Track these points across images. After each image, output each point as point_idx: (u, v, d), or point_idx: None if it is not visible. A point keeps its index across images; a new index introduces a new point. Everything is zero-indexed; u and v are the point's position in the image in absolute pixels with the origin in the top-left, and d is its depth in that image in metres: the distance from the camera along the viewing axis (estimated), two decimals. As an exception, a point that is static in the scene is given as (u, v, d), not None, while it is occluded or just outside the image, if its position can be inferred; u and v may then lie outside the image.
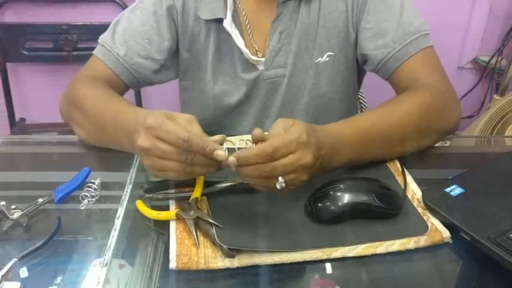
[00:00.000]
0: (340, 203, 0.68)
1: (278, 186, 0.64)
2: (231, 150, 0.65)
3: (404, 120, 0.80)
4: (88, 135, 0.87)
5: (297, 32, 0.95)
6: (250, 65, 0.98)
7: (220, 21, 0.93)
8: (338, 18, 0.95)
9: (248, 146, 0.66)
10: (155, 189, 0.76)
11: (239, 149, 0.67)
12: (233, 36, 0.93)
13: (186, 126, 0.65)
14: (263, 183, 0.66)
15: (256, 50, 0.97)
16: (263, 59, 0.97)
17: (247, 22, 0.96)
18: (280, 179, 0.64)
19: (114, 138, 0.78)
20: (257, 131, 0.66)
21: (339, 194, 0.69)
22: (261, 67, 0.98)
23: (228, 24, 0.92)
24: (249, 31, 0.97)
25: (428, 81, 0.89)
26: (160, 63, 0.99)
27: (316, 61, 0.97)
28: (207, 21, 0.95)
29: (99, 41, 0.96)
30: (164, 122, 0.64)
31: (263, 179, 0.65)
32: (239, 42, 0.94)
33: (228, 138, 0.70)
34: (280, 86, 0.99)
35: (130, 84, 0.98)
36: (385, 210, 0.69)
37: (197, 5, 0.95)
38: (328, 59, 0.97)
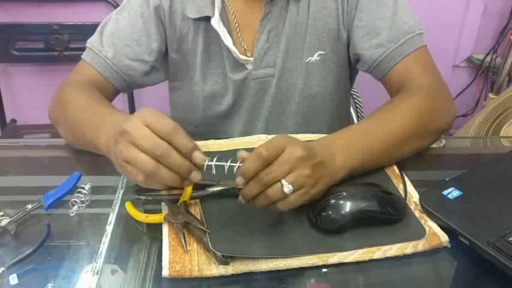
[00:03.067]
0: (345, 212, 0.66)
1: (286, 190, 0.62)
2: (219, 167, 0.65)
3: (401, 124, 0.79)
4: (70, 137, 0.87)
5: (285, 31, 0.94)
6: (239, 65, 0.96)
7: (208, 19, 0.92)
8: (328, 16, 0.93)
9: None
10: (147, 190, 0.74)
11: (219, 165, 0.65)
12: (221, 35, 0.92)
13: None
14: (271, 196, 0.63)
15: (245, 49, 0.96)
16: (252, 58, 0.95)
17: (235, 21, 0.95)
18: (283, 181, 0.62)
19: (93, 138, 0.76)
20: (243, 153, 0.64)
21: (343, 202, 0.67)
22: (249, 67, 0.96)
23: (215, 22, 0.91)
24: (238, 30, 0.95)
25: (421, 82, 0.88)
26: (150, 64, 0.97)
27: (307, 60, 0.96)
28: (195, 20, 0.94)
29: (87, 44, 0.95)
30: (159, 113, 0.63)
31: (268, 192, 0.63)
32: (227, 41, 0.93)
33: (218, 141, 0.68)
34: (270, 86, 0.98)
35: (120, 87, 0.97)
36: (390, 216, 0.68)
37: (184, 5, 0.93)
38: (319, 58, 0.96)
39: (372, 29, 0.91)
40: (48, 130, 1.82)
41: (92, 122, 0.79)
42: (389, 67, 0.91)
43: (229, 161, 0.64)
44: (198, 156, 0.63)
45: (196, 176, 0.64)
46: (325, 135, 0.78)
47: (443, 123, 0.86)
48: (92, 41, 0.95)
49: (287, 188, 0.62)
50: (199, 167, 0.64)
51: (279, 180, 0.62)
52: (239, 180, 0.64)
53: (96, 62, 0.93)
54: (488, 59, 2.11)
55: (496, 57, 2.10)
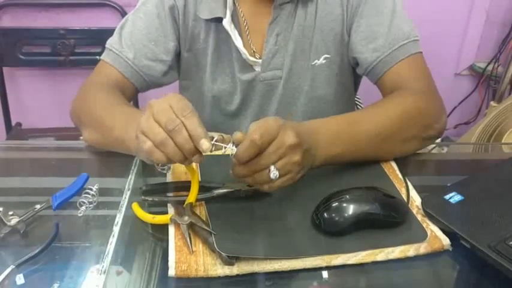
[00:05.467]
0: (348, 214, 0.67)
1: (272, 176, 0.65)
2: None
3: (388, 118, 0.81)
4: (96, 137, 0.86)
5: (293, 35, 0.96)
6: (247, 66, 0.98)
7: (219, 20, 0.94)
8: (334, 21, 0.95)
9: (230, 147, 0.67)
10: (153, 191, 0.76)
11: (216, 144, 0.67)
12: (232, 35, 0.94)
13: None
14: (258, 179, 0.67)
15: (253, 51, 0.98)
16: (260, 60, 0.97)
17: (245, 23, 0.97)
18: (271, 168, 0.65)
19: (123, 138, 0.76)
20: (239, 134, 0.66)
21: (347, 205, 0.68)
22: (257, 68, 0.98)
23: (227, 23, 0.93)
24: (247, 32, 0.97)
25: (414, 86, 0.89)
26: (168, 64, 0.99)
27: (313, 63, 0.98)
28: (207, 21, 0.96)
29: (106, 45, 0.97)
30: (183, 97, 0.66)
31: (256, 176, 0.67)
32: (237, 42, 0.95)
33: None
34: (277, 88, 1.00)
35: (140, 87, 0.99)
36: (393, 219, 0.69)
37: (197, 5, 0.95)
38: (324, 61, 0.98)
39: (370, 34, 0.94)
40: (53, 133, 1.84)
41: (121, 120, 0.79)
42: (384, 71, 0.93)
43: (229, 144, 0.66)
44: (203, 144, 0.63)
45: (197, 159, 0.65)
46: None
47: (433, 125, 0.86)
48: (112, 42, 0.96)
49: (273, 174, 0.66)
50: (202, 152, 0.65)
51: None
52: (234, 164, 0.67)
53: (118, 63, 0.95)
54: (490, 67, 2.12)
55: (498, 66, 2.11)
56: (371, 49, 0.93)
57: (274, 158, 0.66)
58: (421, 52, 0.94)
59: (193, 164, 0.72)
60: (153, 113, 0.65)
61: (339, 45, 0.97)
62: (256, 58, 0.97)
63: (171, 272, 0.62)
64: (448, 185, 0.76)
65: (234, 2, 0.95)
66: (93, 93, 0.89)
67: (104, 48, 0.97)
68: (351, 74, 1.04)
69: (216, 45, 0.98)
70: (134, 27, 0.96)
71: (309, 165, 0.73)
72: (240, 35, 0.96)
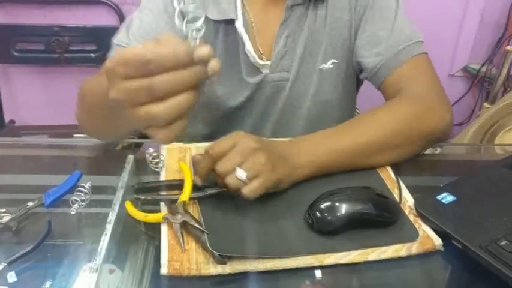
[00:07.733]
0: (341, 214, 0.67)
1: (238, 174, 0.66)
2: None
3: (379, 128, 0.81)
4: (97, 128, 0.84)
5: (303, 37, 0.95)
6: (254, 68, 0.97)
7: (229, 22, 0.92)
8: (343, 26, 0.96)
9: None
10: (146, 190, 0.76)
11: None
12: (244, 38, 0.93)
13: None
14: (229, 183, 0.67)
15: (261, 53, 0.97)
16: (268, 62, 0.96)
17: (253, 25, 0.96)
18: (237, 168, 0.67)
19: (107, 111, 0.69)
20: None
21: (339, 204, 0.68)
22: (265, 70, 0.97)
23: (240, 25, 0.91)
24: (255, 34, 0.96)
25: (415, 90, 0.89)
26: None
27: (320, 67, 0.98)
28: (215, 22, 0.94)
29: (114, 42, 0.93)
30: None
31: (226, 180, 0.67)
32: (248, 44, 0.93)
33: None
34: (284, 89, 0.99)
35: None
36: (385, 219, 0.69)
37: (205, 6, 0.93)
38: (332, 66, 0.98)
39: (373, 38, 0.94)
40: (46, 131, 1.83)
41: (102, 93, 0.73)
42: (386, 75, 0.93)
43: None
44: (203, 51, 0.55)
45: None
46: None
47: (433, 129, 0.85)
48: (119, 38, 0.93)
49: (240, 173, 0.66)
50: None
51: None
52: (197, 180, 0.72)
53: None
54: (484, 69, 2.13)
55: (492, 68, 2.12)
56: (374, 53, 0.94)
57: (238, 158, 0.67)
58: (426, 53, 0.94)
59: (187, 163, 0.72)
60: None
61: (346, 50, 0.98)
62: (264, 60, 0.97)
63: (164, 271, 0.61)
64: (441, 185, 0.76)
65: (242, 3, 0.94)
66: (87, 83, 0.83)
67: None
68: (355, 79, 1.04)
69: (224, 47, 0.96)
70: (142, 22, 0.93)
71: (288, 174, 0.73)
72: (248, 36, 0.94)
